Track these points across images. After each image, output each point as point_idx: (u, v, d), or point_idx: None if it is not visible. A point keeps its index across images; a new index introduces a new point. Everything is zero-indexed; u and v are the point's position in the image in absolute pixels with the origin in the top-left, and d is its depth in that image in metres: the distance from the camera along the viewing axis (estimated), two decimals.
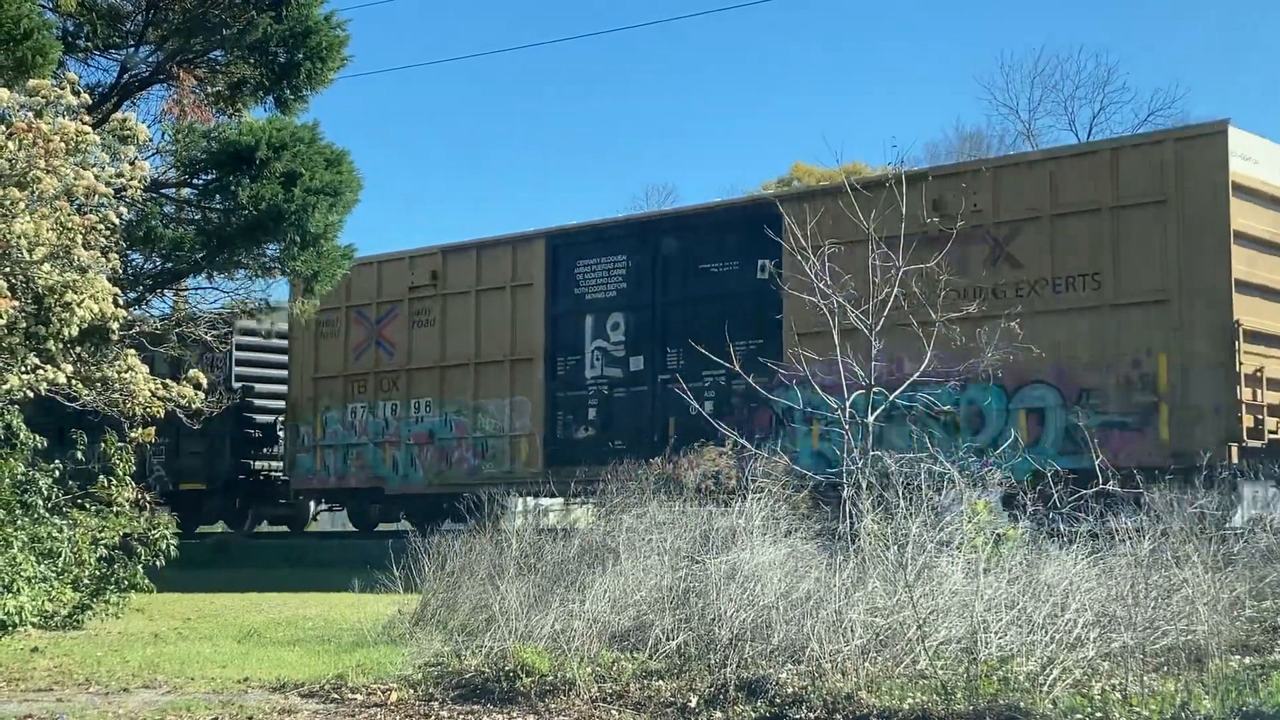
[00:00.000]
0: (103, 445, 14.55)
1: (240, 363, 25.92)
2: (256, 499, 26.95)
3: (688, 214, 22.19)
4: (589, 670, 8.86)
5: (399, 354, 23.33)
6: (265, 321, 25.39)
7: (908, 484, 9.26)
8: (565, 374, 21.60)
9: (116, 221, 12.77)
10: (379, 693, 9.18)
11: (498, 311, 22.10)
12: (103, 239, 12.13)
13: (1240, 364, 15.64)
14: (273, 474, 26.29)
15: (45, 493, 13.71)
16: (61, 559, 13.71)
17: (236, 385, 24.81)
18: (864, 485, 9.91)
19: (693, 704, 8.25)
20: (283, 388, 25.61)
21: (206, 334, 19.67)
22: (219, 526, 28.35)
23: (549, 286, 21.82)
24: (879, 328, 10.99)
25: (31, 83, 12.56)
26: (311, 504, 27.15)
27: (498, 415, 21.98)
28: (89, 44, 18.79)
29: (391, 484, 23.73)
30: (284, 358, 25.76)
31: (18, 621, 12.60)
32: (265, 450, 26.38)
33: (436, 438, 22.69)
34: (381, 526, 25.45)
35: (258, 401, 25.90)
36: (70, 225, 11.60)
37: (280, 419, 25.87)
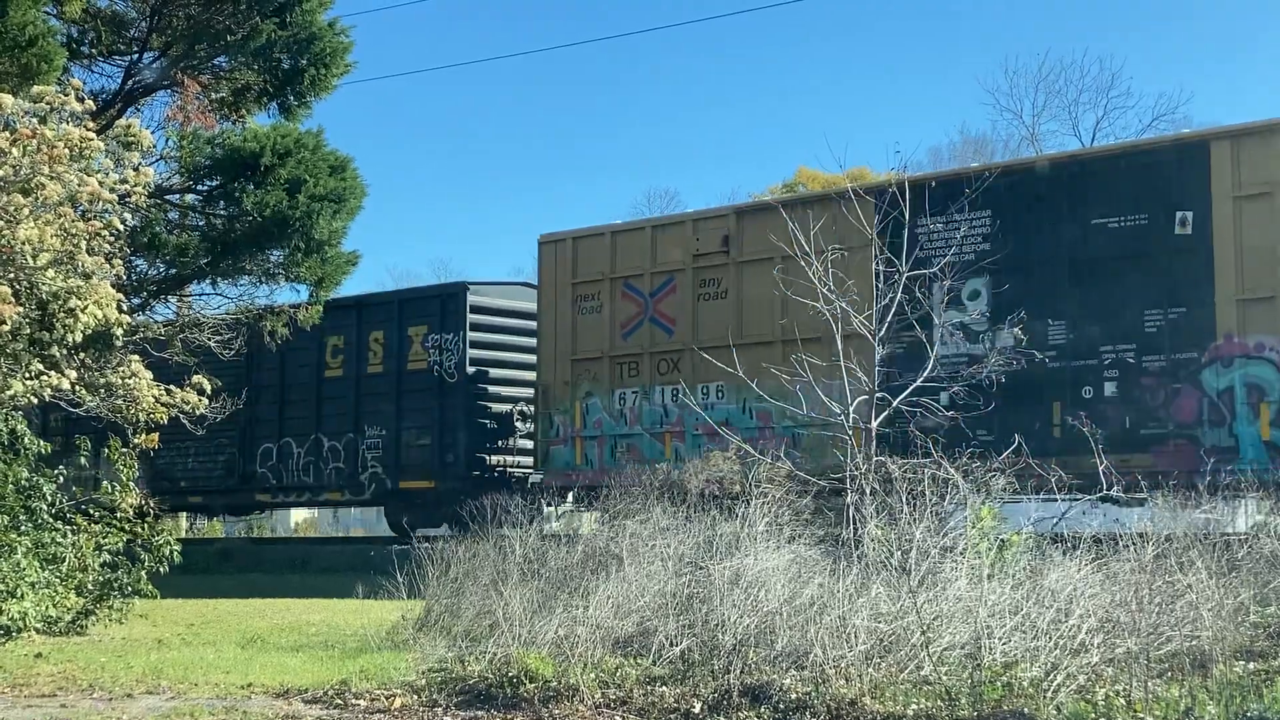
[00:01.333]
0: (106, 451, 14.57)
1: (475, 344, 23.12)
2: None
3: (1081, 158, 18.72)
4: (592, 676, 8.85)
5: (681, 331, 20.19)
6: (504, 296, 23.91)
7: (911, 489, 9.25)
8: (904, 352, 18.35)
9: (120, 227, 12.80)
10: (383, 699, 9.17)
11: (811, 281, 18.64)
12: (107, 245, 12.16)
13: None
14: (510, 469, 23.02)
15: (49, 498, 13.72)
16: (65, 565, 13.72)
17: (470, 369, 22.81)
18: (867, 491, 9.90)
19: (696, 710, 8.24)
20: (520, 373, 22.97)
21: (211, 340, 19.67)
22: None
23: (884, 249, 18.20)
24: None
25: (36, 89, 12.60)
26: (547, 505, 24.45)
27: (813, 401, 18.02)
28: (93, 50, 18.85)
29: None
30: (526, 339, 22.88)
31: (22, 627, 12.61)
32: (501, 443, 23.22)
33: (734, 427, 18.79)
34: None
35: (491, 388, 23.16)
36: (74, 231, 11.63)
37: (518, 407, 23.11)
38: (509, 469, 22.94)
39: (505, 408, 23.25)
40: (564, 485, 20.63)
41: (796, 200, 19.55)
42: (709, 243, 20.13)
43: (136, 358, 13.25)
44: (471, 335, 23.08)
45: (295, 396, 24.80)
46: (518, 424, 23.13)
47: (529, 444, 22.32)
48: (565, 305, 21.07)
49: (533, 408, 22.02)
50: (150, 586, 14.25)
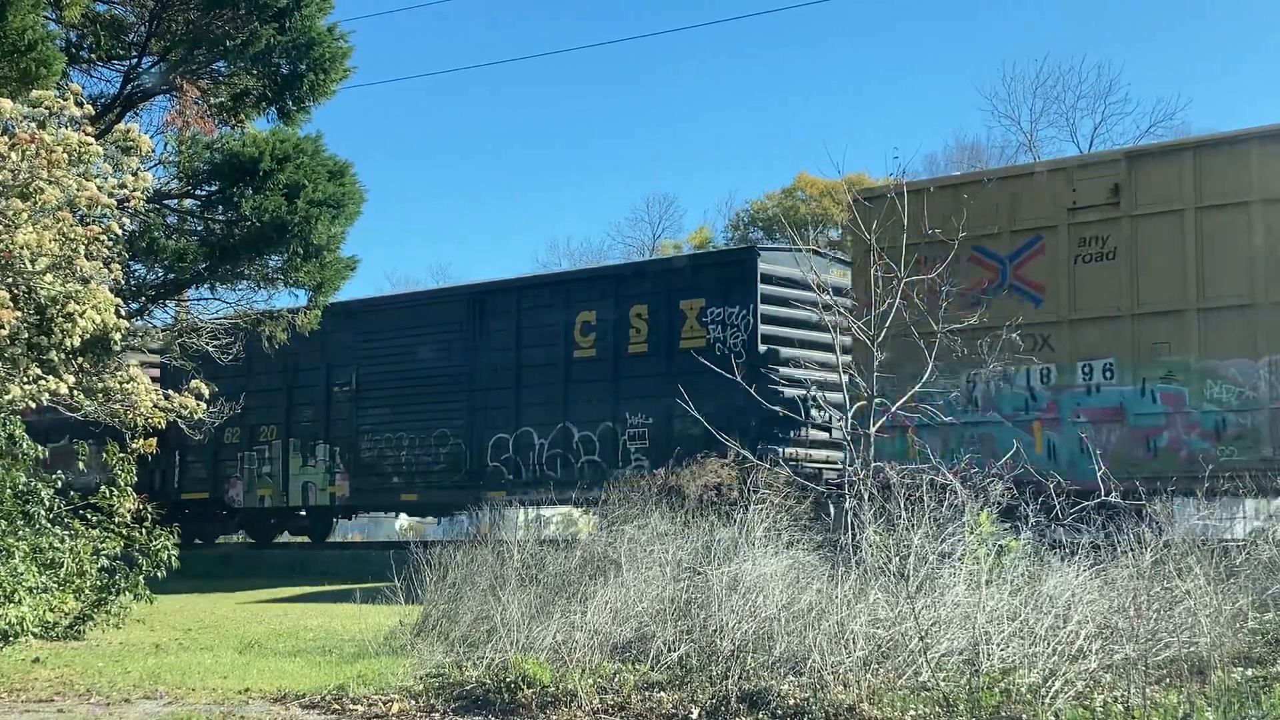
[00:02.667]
0: (104, 455, 14.57)
1: (766, 319, 20.06)
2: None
3: None
4: (590, 681, 8.85)
5: (1051, 300, 17.06)
6: (794, 264, 19.84)
7: (909, 495, 9.25)
8: None
9: (119, 232, 12.79)
10: (380, 704, 9.16)
11: (1237, 236, 15.86)
12: (105, 250, 12.14)
13: None
14: (801, 462, 19.38)
15: (47, 503, 13.71)
16: (63, 569, 13.71)
17: (762, 348, 19.87)
18: (865, 496, 9.90)
19: (694, 715, 8.24)
20: (811, 352, 19.67)
21: (209, 344, 19.68)
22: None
23: None
24: None
25: (35, 93, 12.59)
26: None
27: (1244, 380, 15.71)
28: (92, 55, 18.86)
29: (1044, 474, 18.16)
30: (819, 313, 20.20)
31: (19, 631, 12.59)
32: (793, 433, 19.92)
33: (1128, 413, 16.50)
34: None
35: (783, 370, 20.02)
36: (73, 236, 11.62)
37: (811, 392, 19.97)
38: (801, 462, 19.40)
39: (796, 392, 19.91)
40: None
41: (1215, 141, 16.56)
42: (1091, 194, 16.96)
43: (134, 361, 13.23)
44: (763, 308, 20.09)
45: (535, 380, 22.03)
46: (814, 410, 20.02)
47: (820, 434, 20.04)
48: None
49: (823, 393, 19.72)
50: (147, 591, 14.25)
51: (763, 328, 19.95)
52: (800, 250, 18.37)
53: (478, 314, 22.76)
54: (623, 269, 23.09)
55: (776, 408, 18.13)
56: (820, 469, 19.11)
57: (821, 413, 20.03)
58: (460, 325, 23.02)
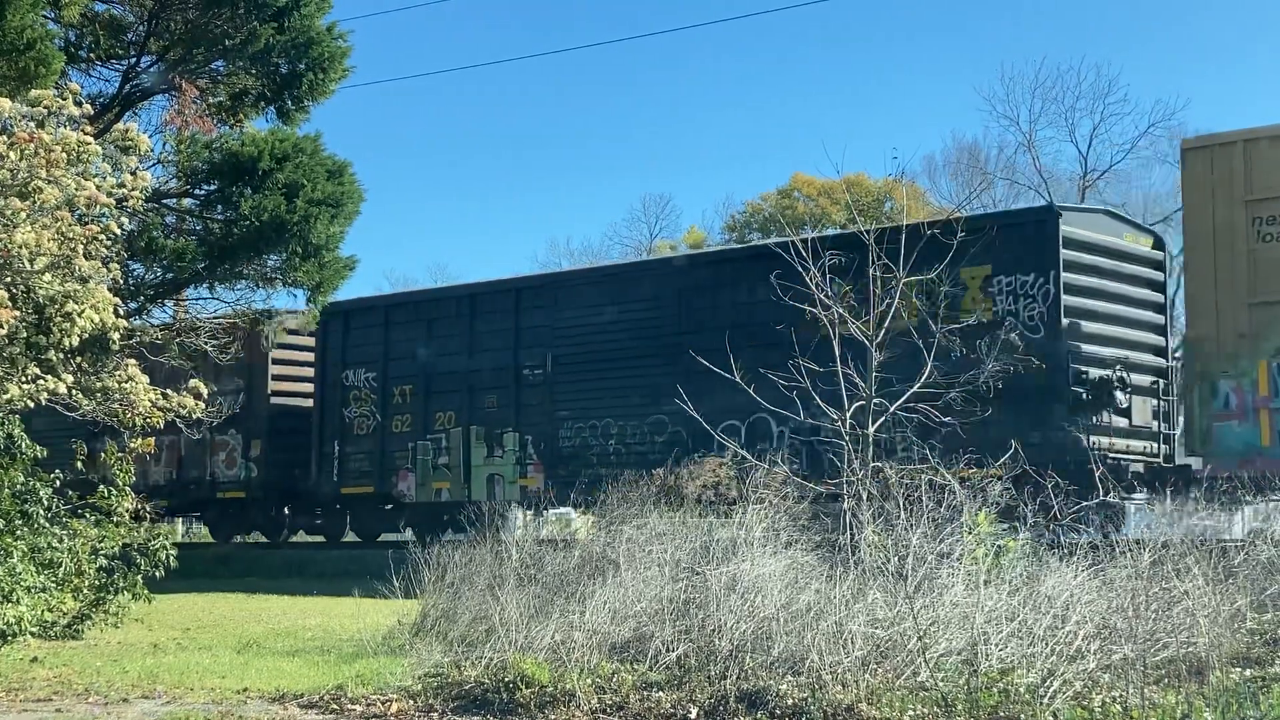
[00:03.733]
0: (102, 455, 14.56)
1: (1070, 289, 17.72)
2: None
3: None
4: (589, 681, 8.84)
5: None
6: (1096, 228, 18.39)
7: (908, 495, 9.24)
8: None
9: (118, 232, 12.79)
10: (379, 704, 9.16)
11: None
12: (104, 249, 12.15)
13: None
14: (1107, 453, 17.11)
15: (45, 502, 13.70)
16: (61, 569, 13.70)
17: (1065, 321, 17.57)
18: (864, 496, 9.90)
19: (693, 715, 8.24)
20: (1115, 329, 17.99)
21: (206, 344, 19.68)
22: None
23: None
24: None
25: (34, 93, 12.60)
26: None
27: None
28: (91, 54, 18.85)
29: None
30: (1124, 285, 18.24)
31: (17, 631, 12.58)
32: (1096, 419, 17.46)
33: None
34: None
35: (1085, 348, 17.67)
36: (71, 235, 11.62)
37: (1115, 372, 17.58)
38: (1107, 453, 17.22)
39: (1101, 373, 17.66)
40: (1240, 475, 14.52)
41: None
42: None
43: (133, 361, 13.23)
44: (1066, 277, 17.64)
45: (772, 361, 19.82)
46: (1118, 394, 17.60)
47: (1122, 421, 17.68)
48: (1233, 233, 15.73)
49: (1128, 374, 17.70)
50: (145, 591, 14.24)
51: (1068, 299, 17.60)
52: (1098, 211, 17.01)
53: (710, 284, 20.49)
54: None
55: (1080, 389, 16.86)
56: (1122, 460, 17.20)
57: (1126, 394, 17.72)
58: (679, 297, 20.84)
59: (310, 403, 25.33)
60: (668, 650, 9.22)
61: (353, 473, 24.32)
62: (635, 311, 21.32)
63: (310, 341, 24.85)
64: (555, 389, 22.00)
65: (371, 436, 23.86)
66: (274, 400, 25.64)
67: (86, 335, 12.11)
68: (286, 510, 26.87)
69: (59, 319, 11.78)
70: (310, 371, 25.50)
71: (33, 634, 12.91)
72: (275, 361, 25.51)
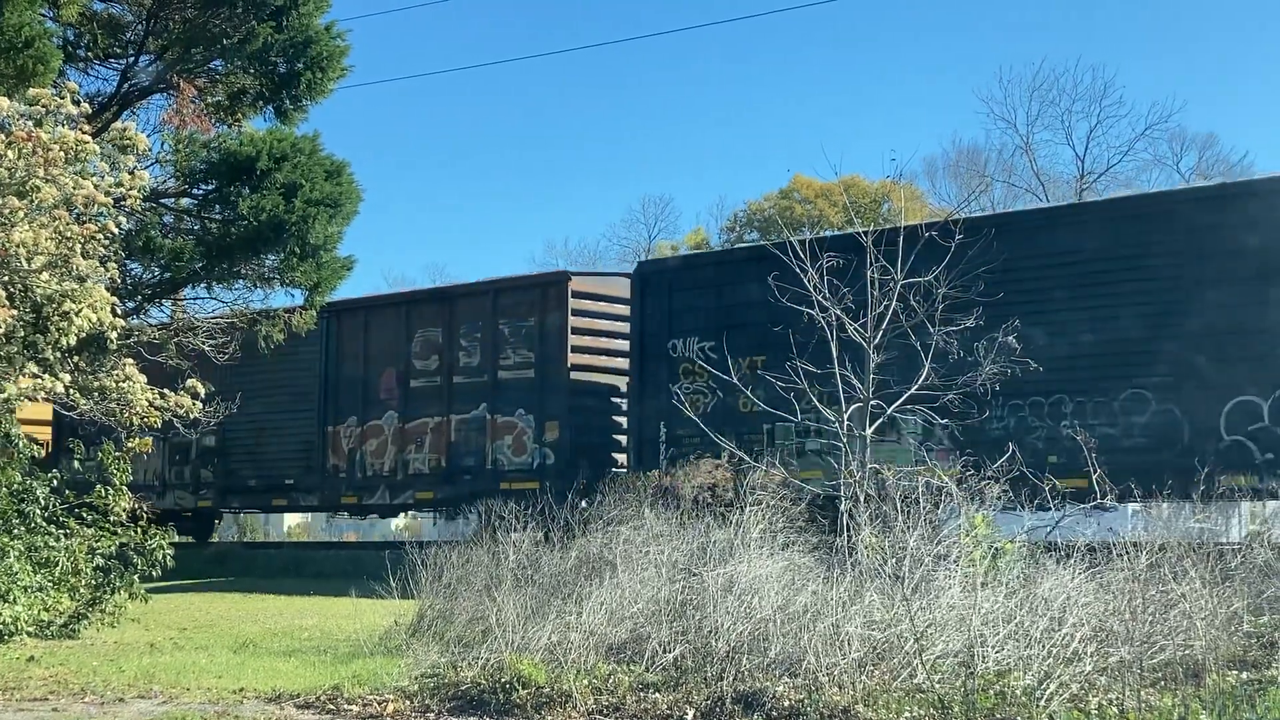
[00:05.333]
0: (100, 456, 14.56)
1: None
2: None
3: None
4: (585, 682, 8.84)
5: None
6: None
7: (905, 497, 9.25)
8: None
9: (115, 231, 12.80)
10: (375, 704, 9.16)
11: None
12: (101, 248, 12.15)
13: None
14: None
15: (42, 502, 13.70)
16: (58, 568, 13.70)
17: None
18: (861, 498, 9.90)
19: (689, 717, 8.23)
20: None
21: (204, 344, 19.66)
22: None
23: None
24: None
25: (32, 91, 12.60)
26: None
27: None
28: (89, 53, 18.84)
29: None
30: None
31: (14, 631, 12.59)
32: None
33: None
34: None
35: None
36: (69, 234, 11.63)
37: None
38: None
39: None
40: None
41: None
42: None
43: (131, 361, 13.22)
44: None
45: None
46: None
47: None
48: None
49: None
50: (142, 590, 14.23)
51: None
52: None
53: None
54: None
55: None
56: None
57: None
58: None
59: (612, 378, 21.50)
60: (664, 651, 9.22)
61: (684, 461, 19.23)
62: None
63: (611, 308, 21.56)
64: None
65: (709, 417, 18.93)
66: (574, 375, 21.31)
67: (84, 334, 12.11)
68: (585, 503, 22.49)
69: (56, 318, 11.79)
70: (609, 343, 21.60)
71: (29, 633, 12.92)
72: (575, 330, 21.48)
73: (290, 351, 22.40)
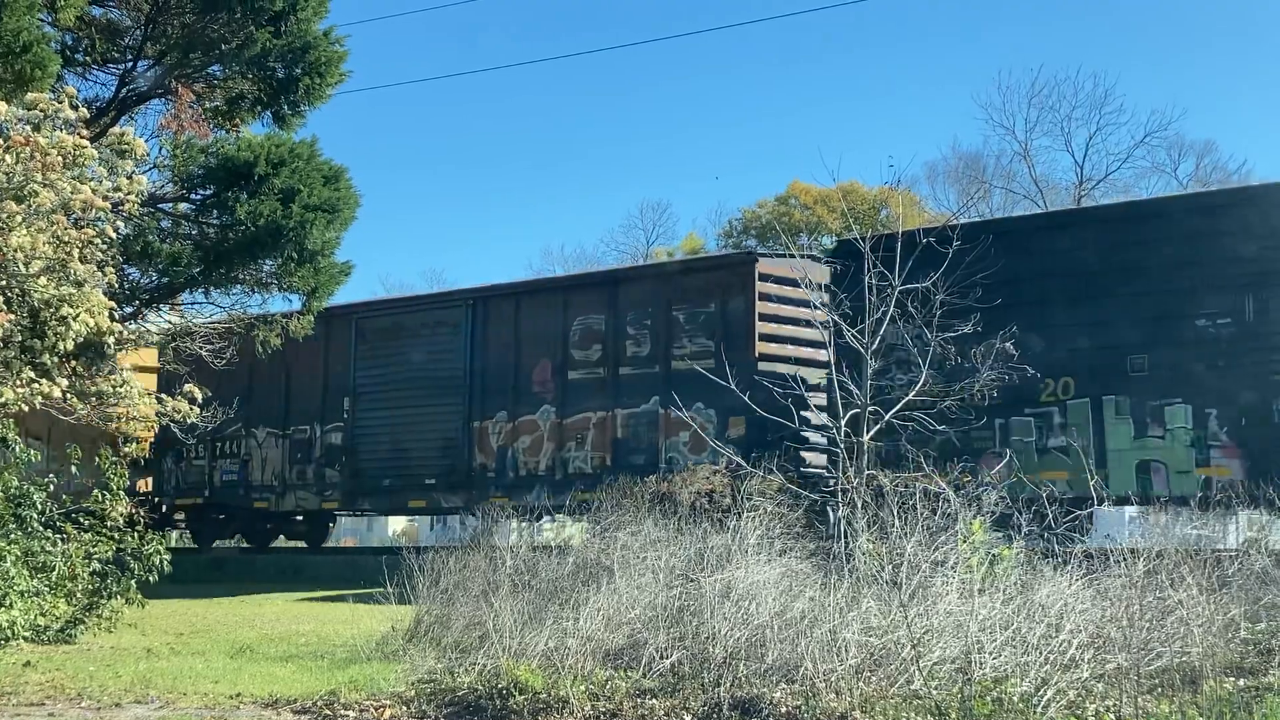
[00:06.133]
0: (96, 460, 14.55)
1: None
2: None
3: None
4: (583, 688, 8.84)
5: None
6: None
7: (902, 503, 9.25)
8: None
9: (113, 236, 12.79)
10: (372, 709, 9.15)
11: None
12: (99, 253, 12.15)
13: None
14: None
15: (39, 507, 13.69)
16: (54, 573, 13.69)
17: None
18: (859, 504, 9.90)
19: None
20: None
21: (201, 349, 19.66)
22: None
23: None
24: None
25: (30, 96, 12.59)
26: None
27: None
28: (87, 58, 18.84)
29: None
30: None
31: (10, 635, 12.57)
32: None
33: None
34: None
35: None
36: (67, 239, 11.63)
37: None
38: None
39: None
40: None
41: None
42: None
43: (128, 365, 13.21)
44: None
45: None
46: None
47: None
48: None
49: None
50: (139, 596, 14.22)
51: None
52: None
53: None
54: None
55: None
56: None
57: None
58: None
59: (802, 369, 18.68)
60: (661, 657, 9.21)
61: (889, 459, 17.53)
62: None
63: (802, 293, 18.50)
64: (1272, 341, 16.20)
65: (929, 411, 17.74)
66: (763, 366, 18.95)
67: (81, 339, 12.11)
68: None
69: (54, 323, 11.78)
70: (798, 330, 19.50)
71: (25, 638, 12.90)
72: (763, 317, 19.54)
73: (428, 342, 22.03)
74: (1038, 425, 17.24)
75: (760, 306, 19.39)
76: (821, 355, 18.32)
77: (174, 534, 30.04)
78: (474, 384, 22.35)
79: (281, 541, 27.62)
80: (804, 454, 18.75)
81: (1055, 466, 17.04)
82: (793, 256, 18.07)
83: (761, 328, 19.40)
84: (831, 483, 14.70)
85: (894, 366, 16.63)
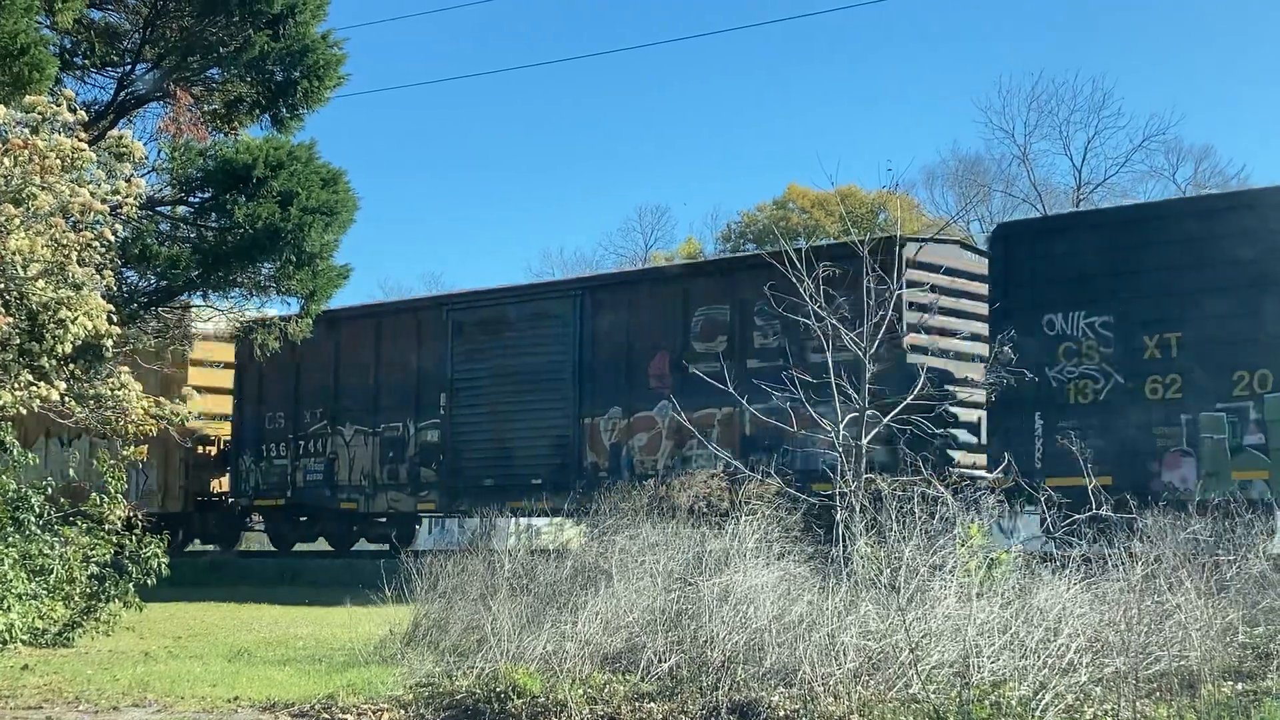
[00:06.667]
0: (95, 463, 14.54)
1: None
2: None
3: None
4: (581, 692, 8.83)
5: None
6: None
7: (901, 507, 9.25)
8: None
9: (111, 239, 12.79)
10: (370, 713, 9.15)
11: None
12: (97, 256, 12.14)
13: None
14: None
15: (37, 509, 13.68)
16: (52, 576, 13.68)
17: None
18: (857, 508, 9.90)
19: None
20: None
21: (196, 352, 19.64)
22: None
23: None
24: None
25: (28, 99, 12.59)
26: None
27: None
28: (86, 61, 18.85)
29: None
30: None
31: (8, 639, 12.56)
32: None
33: None
34: None
35: None
36: (65, 242, 11.62)
37: None
38: None
39: None
40: None
41: None
42: None
43: (126, 369, 13.20)
44: None
45: None
46: None
47: None
48: None
49: None
50: (137, 599, 14.21)
51: None
52: None
53: None
54: None
55: None
56: None
57: None
58: None
59: (950, 363, 18.40)
60: (660, 661, 9.21)
61: (1060, 459, 15.46)
62: None
63: (953, 281, 18.63)
64: None
65: (1099, 408, 16.47)
66: (911, 358, 17.79)
67: (79, 342, 12.10)
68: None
69: (52, 326, 11.77)
70: (946, 320, 18.66)
71: (23, 641, 12.89)
72: (912, 306, 18.13)
73: (533, 334, 21.29)
74: (1233, 421, 15.68)
75: (909, 295, 17.68)
76: (975, 347, 17.86)
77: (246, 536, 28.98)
78: (583, 378, 21.06)
79: (362, 545, 26.03)
80: (951, 452, 17.72)
81: (1252, 465, 15.52)
82: (940, 242, 17.24)
83: (909, 317, 17.98)
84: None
85: (1062, 358, 16.35)
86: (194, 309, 21.28)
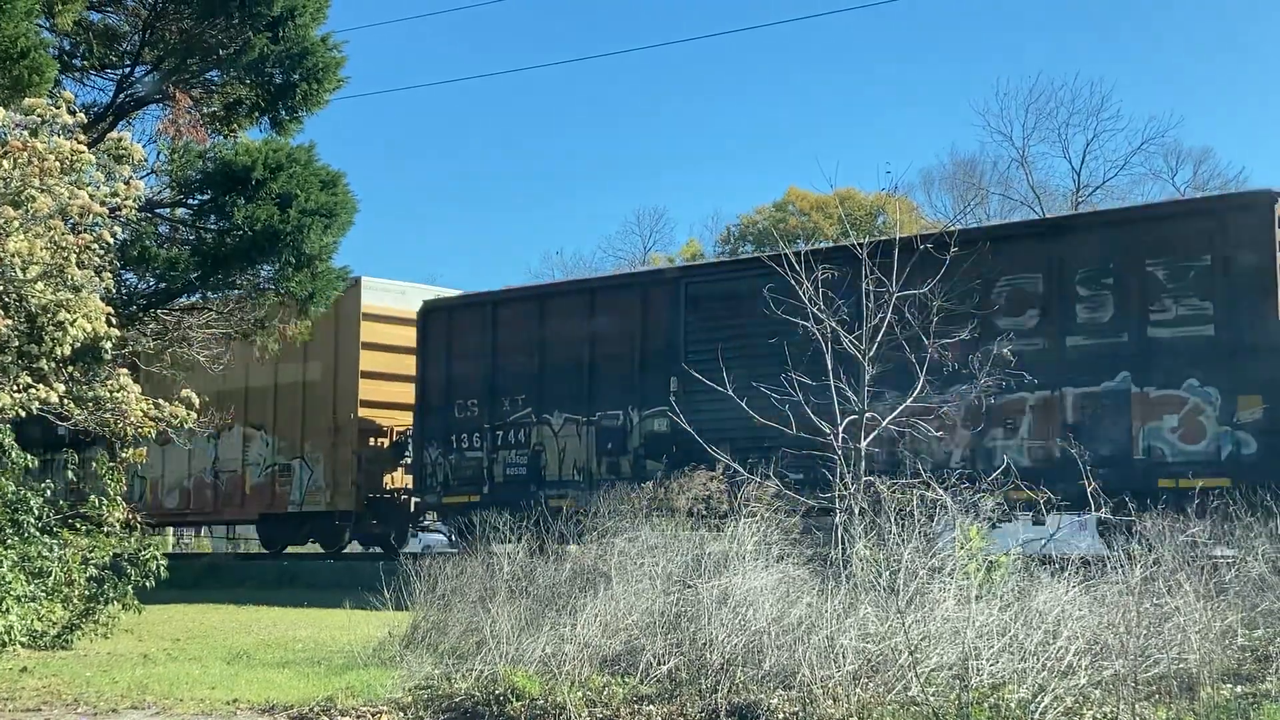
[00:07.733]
0: (93, 465, 14.53)
1: None
2: None
3: None
4: (580, 694, 8.83)
5: None
6: None
7: (900, 510, 9.24)
8: None
9: (111, 241, 12.79)
10: (368, 715, 9.15)
11: None
12: (96, 258, 12.14)
13: None
14: None
15: (36, 512, 13.67)
16: (51, 578, 13.67)
17: None
18: (856, 511, 9.89)
19: None
20: None
21: (199, 354, 19.64)
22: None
23: None
24: None
25: (27, 101, 12.59)
26: None
27: None
28: (85, 63, 18.86)
29: None
30: None
31: (6, 641, 12.55)
32: None
33: None
34: None
35: None
36: (64, 244, 11.62)
37: None
38: None
39: None
40: None
41: None
42: None
43: (125, 371, 13.19)
44: None
45: None
46: None
47: None
48: None
49: None
50: (136, 601, 14.20)
51: None
52: None
53: None
54: None
55: None
56: None
57: None
58: None
59: None
60: (659, 663, 9.20)
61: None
62: None
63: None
64: None
65: None
66: None
67: (78, 344, 12.10)
68: None
69: (51, 328, 11.77)
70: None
71: (22, 643, 12.88)
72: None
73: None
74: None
75: None
76: None
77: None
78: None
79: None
80: None
81: None
82: None
83: None
84: None
85: None
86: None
